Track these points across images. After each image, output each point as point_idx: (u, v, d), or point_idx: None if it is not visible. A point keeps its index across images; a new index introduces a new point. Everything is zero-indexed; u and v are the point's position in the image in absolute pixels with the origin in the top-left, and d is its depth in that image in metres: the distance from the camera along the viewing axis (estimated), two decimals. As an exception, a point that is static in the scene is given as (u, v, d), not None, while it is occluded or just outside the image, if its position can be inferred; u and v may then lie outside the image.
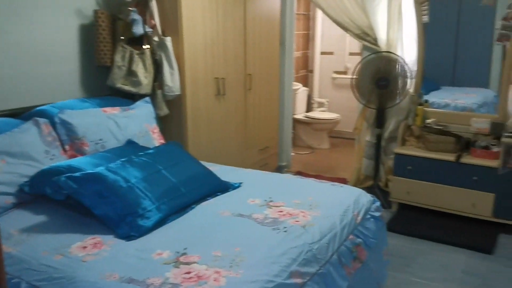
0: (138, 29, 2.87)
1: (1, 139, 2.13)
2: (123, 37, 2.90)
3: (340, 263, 1.87)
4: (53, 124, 2.40)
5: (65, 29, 2.80)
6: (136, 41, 2.93)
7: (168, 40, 2.96)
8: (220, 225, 1.90)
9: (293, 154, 4.91)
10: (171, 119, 3.13)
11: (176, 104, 3.10)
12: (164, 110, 3.05)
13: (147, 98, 2.94)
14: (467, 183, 3.20)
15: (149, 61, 2.93)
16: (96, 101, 2.77)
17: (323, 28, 5.91)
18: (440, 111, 3.66)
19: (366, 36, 3.71)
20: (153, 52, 2.97)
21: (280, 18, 4.14)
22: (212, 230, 1.85)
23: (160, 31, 2.99)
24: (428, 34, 3.62)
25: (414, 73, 3.62)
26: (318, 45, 5.99)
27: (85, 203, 1.91)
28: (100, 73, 2.99)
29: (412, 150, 3.48)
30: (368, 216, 2.22)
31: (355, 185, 3.90)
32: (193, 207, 2.07)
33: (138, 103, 2.89)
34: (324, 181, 2.54)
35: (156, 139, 2.82)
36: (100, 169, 2.00)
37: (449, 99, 3.78)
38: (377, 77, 3.48)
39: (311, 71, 6.15)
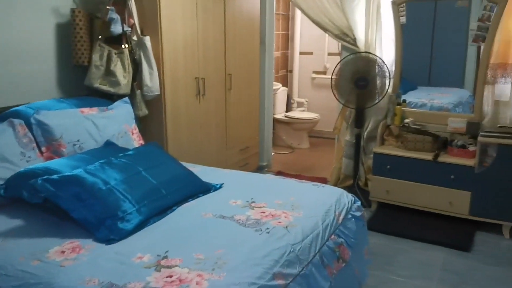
0: (117, 28, 2.83)
1: (-26, 141, 2.07)
2: (101, 36, 2.85)
3: (322, 264, 1.88)
4: (29, 125, 2.34)
5: (41, 28, 2.73)
6: (115, 40, 2.88)
7: (147, 40, 2.93)
8: (202, 227, 1.88)
9: (273, 153, 4.92)
10: (151, 119, 3.09)
11: (155, 104, 3.06)
12: (144, 111, 3.01)
13: (126, 98, 2.89)
14: (445, 182, 3.25)
15: (127, 60, 2.89)
16: (73, 101, 2.71)
17: (302, 28, 5.93)
18: (418, 111, 3.72)
19: (345, 37, 3.74)
20: (132, 52, 2.92)
21: (260, 18, 4.13)
22: (193, 232, 1.83)
23: (139, 30, 2.95)
24: (406, 35, 3.68)
25: (393, 73, 3.67)
26: (298, 45, 6.01)
27: (63, 207, 1.87)
28: (77, 73, 2.93)
29: (391, 149, 3.52)
30: (349, 216, 2.24)
31: (335, 184, 3.93)
32: (174, 209, 2.05)
33: (117, 103, 2.84)
34: (305, 181, 2.54)
35: (135, 140, 2.78)
36: (78, 171, 1.96)
37: (426, 99, 3.85)
38: (356, 77, 3.50)
39: (291, 71, 6.17)
